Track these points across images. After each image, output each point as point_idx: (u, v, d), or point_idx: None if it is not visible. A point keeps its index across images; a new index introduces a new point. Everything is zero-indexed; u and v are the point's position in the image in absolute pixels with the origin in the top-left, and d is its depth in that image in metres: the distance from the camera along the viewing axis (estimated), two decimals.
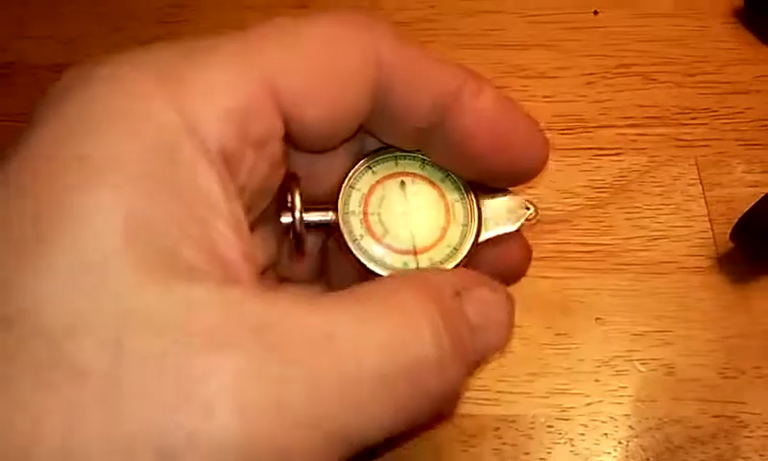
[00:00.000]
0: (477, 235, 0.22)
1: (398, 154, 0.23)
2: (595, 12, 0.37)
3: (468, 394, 0.27)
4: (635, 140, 0.33)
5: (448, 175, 0.23)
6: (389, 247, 0.22)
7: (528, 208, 0.23)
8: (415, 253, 0.22)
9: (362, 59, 0.19)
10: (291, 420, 0.14)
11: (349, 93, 0.19)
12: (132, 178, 0.15)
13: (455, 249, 0.22)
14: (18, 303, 0.14)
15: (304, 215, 0.22)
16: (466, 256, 0.22)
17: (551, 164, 0.30)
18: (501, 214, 0.23)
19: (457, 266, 0.22)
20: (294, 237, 0.22)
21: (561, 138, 0.33)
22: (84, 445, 0.13)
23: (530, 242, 0.24)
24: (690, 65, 0.35)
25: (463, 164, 0.22)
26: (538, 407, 0.27)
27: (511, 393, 0.27)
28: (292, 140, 0.19)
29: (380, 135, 0.22)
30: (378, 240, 0.22)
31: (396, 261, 0.21)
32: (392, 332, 0.16)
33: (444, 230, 0.22)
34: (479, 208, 0.23)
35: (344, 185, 0.23)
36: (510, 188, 0.23)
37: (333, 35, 0.19)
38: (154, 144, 0.15)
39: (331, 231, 0.23)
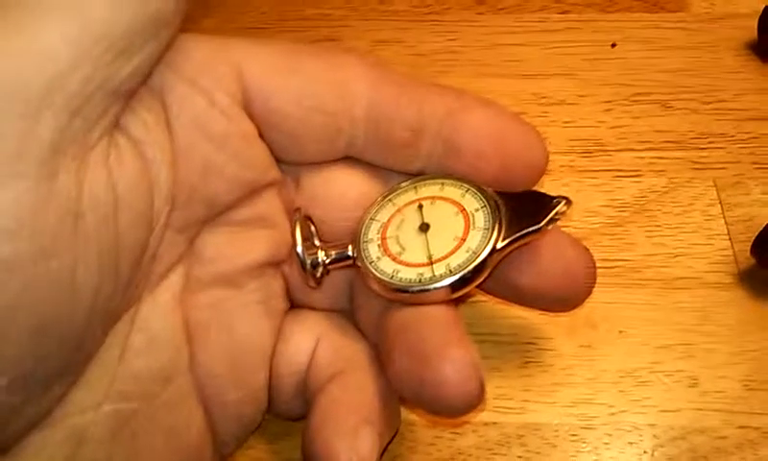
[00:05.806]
0: (499, 235, 0.22)
1: (418, 183, 0.24)
2: (613, 45, 0.38)
3: (491, 401, 0.27)
4: (653, 163, 0.33)
5: (469, 189, 0.23)
6: (404, 263, 0.22)
7: (557, 202, 0.22)
8: (430, 263, 0.22)
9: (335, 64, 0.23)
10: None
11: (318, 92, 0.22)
12: None
13: (474, 252, 0.21)
14: None
15: (330, 252, 0.23)
16: (487, 258, 0.21)
17: (571, 184, 0.31)
18: (527, 213, 0.22)
19: (477, 269, 0.21)
20: (301, 267, 0.23)
21: (581, 160, 0.34)
22: None
23: None
24: (706, 94, 0.36)
25: (464, 175, 0.23)
26: (562, 416, 0.27)
27: (535, 402, 0.27)
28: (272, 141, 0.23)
29: (376, 161, 0.24)
30: (394, 259, 0.22)
31: (411, 274, 0.22)
32: None
33: (463, 238, 0.22)
34: (500, 212, 0.22)
35: (364, 219, 0.24)
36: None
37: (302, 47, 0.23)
38: None
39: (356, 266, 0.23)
